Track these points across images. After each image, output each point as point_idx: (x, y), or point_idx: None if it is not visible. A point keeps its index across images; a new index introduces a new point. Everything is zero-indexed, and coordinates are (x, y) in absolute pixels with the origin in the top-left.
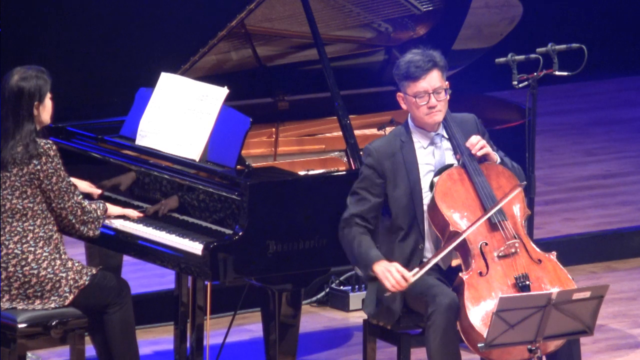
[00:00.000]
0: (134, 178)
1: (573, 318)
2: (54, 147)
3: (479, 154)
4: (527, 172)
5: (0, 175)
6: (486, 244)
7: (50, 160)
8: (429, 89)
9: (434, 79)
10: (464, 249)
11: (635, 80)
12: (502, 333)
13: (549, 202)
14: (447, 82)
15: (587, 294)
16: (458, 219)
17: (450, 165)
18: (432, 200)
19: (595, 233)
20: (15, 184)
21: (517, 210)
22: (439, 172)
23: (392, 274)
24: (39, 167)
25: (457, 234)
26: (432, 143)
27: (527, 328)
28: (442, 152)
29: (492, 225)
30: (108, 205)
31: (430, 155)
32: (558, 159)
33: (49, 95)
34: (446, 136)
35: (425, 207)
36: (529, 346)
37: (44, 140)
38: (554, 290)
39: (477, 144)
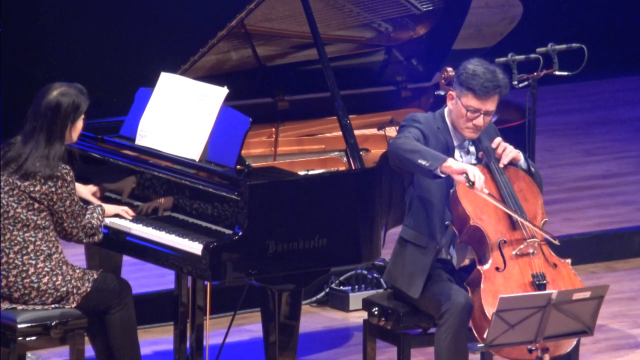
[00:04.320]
0: (134, 178)
1: (573, 318)
2: (71, 174)
3: (506, 160)
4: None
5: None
6: (505, 241)
7: (66, 185)
8: (483, 110)
9: (491, 104)
10: (481, 244)
11: (635, 80)
12: (502, 333)
13: (549, 202)
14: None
15: (587, 294)
16: (479, 215)
17: (473, 164)
18: (454, 195)
19: (595, 233)
20: (24, 195)
21: (538, 213)
22: None
23: (475, 169)
24: (53, 189)
25: (477, 230)
26: (461, 146)
27: (527, 328)
28: (469, 156)
29: (513, 224)
30: (104, 205)
31: (457, 156)
32: (558, 159)
33: (82, 116)
34: (467, 145)
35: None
36: (529, 346)
37: (62, 165)
38: (554, 291)
39: (505, 149)
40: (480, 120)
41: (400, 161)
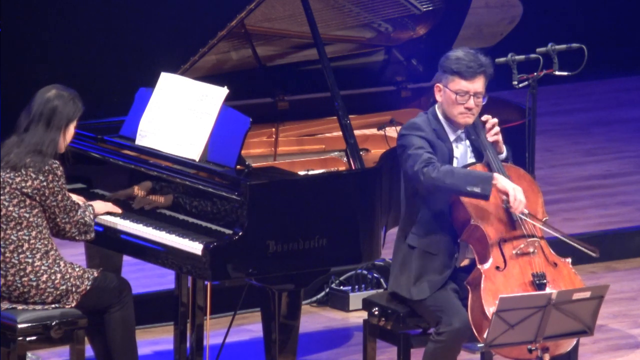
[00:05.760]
0: (134, 178)
1: (573, 318)
2: (61, 169)
3: (491, 139)
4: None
5: (4, 176)
6: (505, 240)
7: (56, 179)
8: (471, 91)
9: (479, 84)
10: (482, 244)
11: (635, 80)
12: (502, 333)
13: (549, 202)
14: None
15: (587, 294)
16: (479, 214)
17: (473, 163)
18: (455, 195)
19: (595, 233)
20: (15, 192)
21: (539, 212)
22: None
23: (518, 191)
24: (44, 183)
25: (478, 229)
26: (457, 140)
27: (527, 328)
28: (465, 149)
29: (513, 223)
30: (93, 203)
31: (455, 150)
32: (558, 159)
33: (74, 123)
34: (464, 137)
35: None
36: (529, 346)
37: (52, 160)
38: (554, 291)
39: (494, 126)
40: (471, 102)
41: (442, 191)
